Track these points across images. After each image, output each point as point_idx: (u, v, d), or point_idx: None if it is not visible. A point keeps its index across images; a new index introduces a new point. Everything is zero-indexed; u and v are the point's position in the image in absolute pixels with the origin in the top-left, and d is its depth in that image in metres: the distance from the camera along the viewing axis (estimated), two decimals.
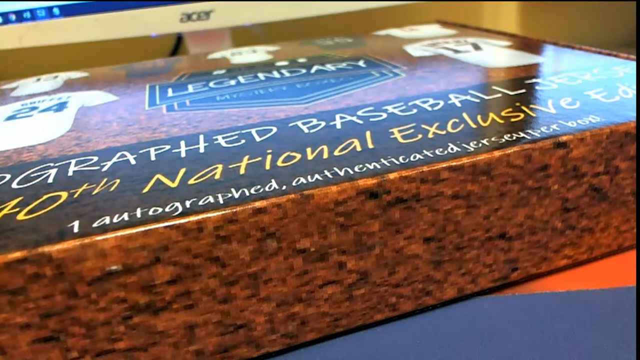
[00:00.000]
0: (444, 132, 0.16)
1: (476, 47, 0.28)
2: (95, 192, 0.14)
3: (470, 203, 0.14)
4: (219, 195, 0.13)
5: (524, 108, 0.17)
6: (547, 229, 0.16)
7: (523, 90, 0.19)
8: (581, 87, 0.19)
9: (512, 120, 0.16)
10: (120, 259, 0.12)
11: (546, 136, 0.15)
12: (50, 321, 0.12)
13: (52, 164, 0.16)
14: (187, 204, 0.12)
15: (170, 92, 0.24)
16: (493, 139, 0.15)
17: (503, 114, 0.17)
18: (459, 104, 0.18)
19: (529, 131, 0.15)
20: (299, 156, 0.15)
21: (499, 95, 0.19)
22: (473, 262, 0.15)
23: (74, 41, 0.39)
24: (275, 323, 0.14)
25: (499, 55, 0.25)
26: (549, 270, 0.17)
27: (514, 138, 0.15)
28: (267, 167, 0.14)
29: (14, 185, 0.15)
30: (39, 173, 0.15)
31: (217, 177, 0.14)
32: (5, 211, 0.13)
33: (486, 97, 0.19)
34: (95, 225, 0.12)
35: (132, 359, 0.13)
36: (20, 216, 0.13)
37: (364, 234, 0.14)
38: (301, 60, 0.28)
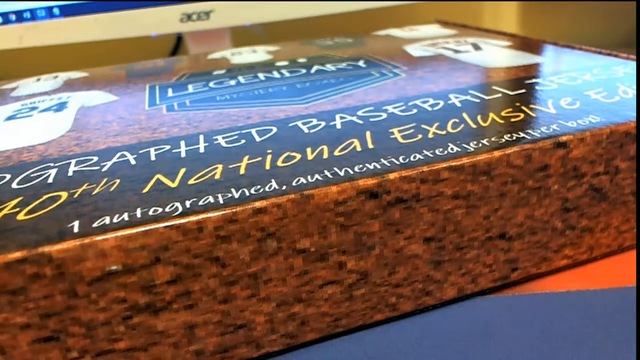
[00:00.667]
0: (444, 132, 0.16)
1: (476, 47, 0.28)
2: (95, 192, 0.14)
3: (470, 203, 0.14)
4: (219, 195, 0.13)
5: (524, 108, 0.17)
6: (547, 229, 0.16)
7: (523, 90, 0.19)
8: (581, 87, 0.19)
9: (512, 120, 0.16)
10: (120, 259, 0.12)
11: (546, 136, 0.15)
12: (50, 321, 0.12)
13: (52, 164, 0.16)
14: (187, 204, 0.12)
15: (170, 92, 0.24)
16: (493, 139, 0.15)
17: (503, 114, 0.17)
18: (459, 104, 0.18)
19: (529, 131, 0.15)
20: (299, 156, 0.15)
21: (499, 95, 0.19)
22: (473, 262, 0.15)
23: (74, 41, 0.39)
24: (275, 323, 0.14)
25: (499, 56, 0.25)
26: (549, 270, 0.17)
27: (514, 138, 0.15)
28: (267, 167, 0.14)
29: (14, 185, 0.15)
30: (39, 173, 0.15)
31: (217, 177, 0.14)
32: (5, 211, 0.13)
33: (486, 97, 0.19)
34: (95, 225, 0.12)
35: (132, 359, 0.13)
36: (20, 216, 0.13)
37: (364, 234, 0.14)
38: (301, 60, 0.28)
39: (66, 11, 0.39)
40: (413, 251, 0.14)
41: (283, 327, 0.14)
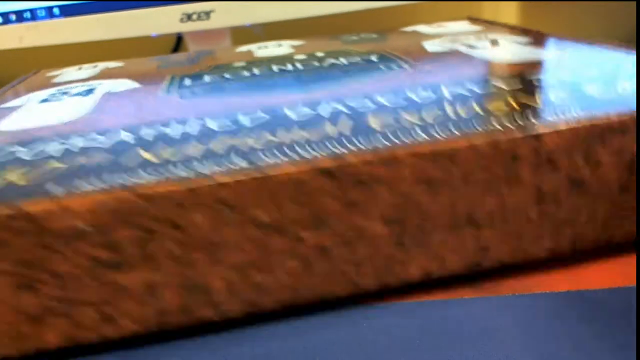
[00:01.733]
0: (421, 123, 0.16)
1: (494, 43, 0.28)
2: (84, 162, 0.15)
3: (435, 189, 0.15)
4: (187, 169, 0.14)
5: (513, 102, 0.17)
6: (521, 219, 0.16)
7: (520, 86, 0.19)
8: (578, 82, 0.19)
9: (497, 113, 0.16)
10: (89, 220, 0.13)
11: (524, 128, 0.15)
12: (27, 270, 0.13)
13: (62, 140, 0.18)
14: (158, 175, 0.14)
15: (187, 82, 0.25)
16: (468, 129, 0.15)
17: (491, 107, 0.17)
18: (448, 96, 0.18)
19: (507, 124, 0.15)
20: (272, 138, 0.16)
21: (494, 89, 0.19)
22: (439, 246, 0.16)
23: (74, 41, 0.39)
24: (235, 290, 0.15)
25: (511, 51, 0.25)
26: (527, 261, 0.17)
27: (490, 129, 0.15)
28: (243, 147, 0.15)
29: (18, 155, 0.16)
30: (44, 147, 0.17)
31: (192, 154, 0.15)
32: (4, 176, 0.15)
33: (479, 91, 0.19)
34: (72, 189, 0.13)
35: (101, 313, 0.14)
36: (16, 180, 0.14)
37: (322, 211, 0.14)
38: (319, 54, 0.29)
39: (66, 11, 0.39)
40: (374, 231, 0.15)
41: (243, 293, 0.15)
